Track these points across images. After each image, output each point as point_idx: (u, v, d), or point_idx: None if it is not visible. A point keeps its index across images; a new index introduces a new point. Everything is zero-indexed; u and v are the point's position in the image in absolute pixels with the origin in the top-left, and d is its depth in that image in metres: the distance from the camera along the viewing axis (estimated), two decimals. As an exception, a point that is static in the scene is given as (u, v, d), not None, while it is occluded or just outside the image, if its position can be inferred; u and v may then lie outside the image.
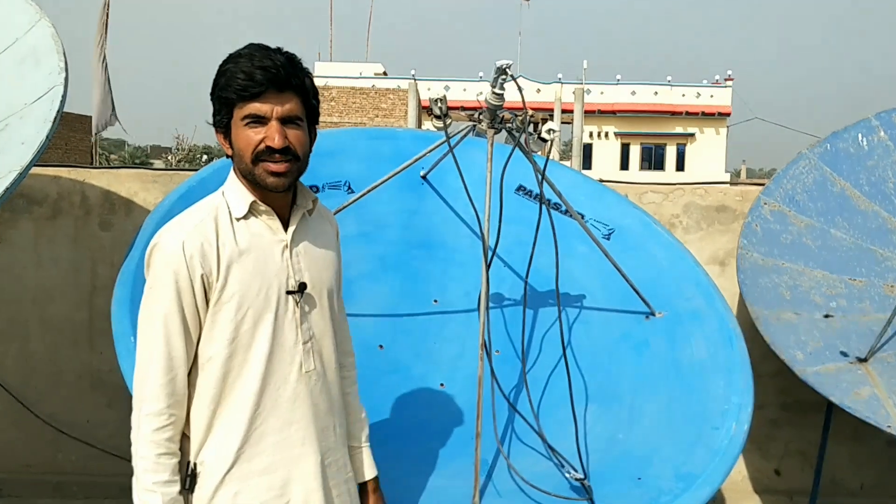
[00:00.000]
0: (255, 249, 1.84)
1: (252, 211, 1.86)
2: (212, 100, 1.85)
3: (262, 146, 1.79)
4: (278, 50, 1.82)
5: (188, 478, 1.83)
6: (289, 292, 1.86)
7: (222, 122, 1.84)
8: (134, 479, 1.79)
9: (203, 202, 1.89)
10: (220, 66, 1.82)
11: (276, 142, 1.78)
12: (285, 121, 1.80)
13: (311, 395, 1.90)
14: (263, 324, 1.83)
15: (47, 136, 3.15)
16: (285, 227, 1.90)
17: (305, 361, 1.89)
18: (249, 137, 1.79)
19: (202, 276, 1.77)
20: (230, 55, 1.81)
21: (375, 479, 2.16)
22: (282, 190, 1.85)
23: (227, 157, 1.89)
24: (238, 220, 1.84)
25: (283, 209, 1.90)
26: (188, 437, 1.85)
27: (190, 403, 1.84)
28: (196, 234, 1.79)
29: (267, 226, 1.87)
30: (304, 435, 1.89)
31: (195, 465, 1.84)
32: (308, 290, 1.90)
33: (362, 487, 2.13)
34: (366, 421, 2.19)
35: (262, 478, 1.85)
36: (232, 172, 1.90)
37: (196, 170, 3.70)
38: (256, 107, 1.78)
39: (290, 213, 1.92)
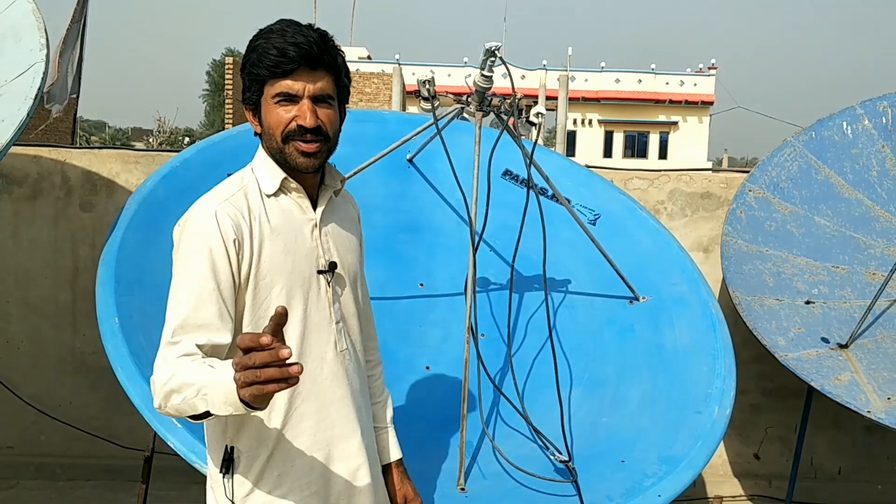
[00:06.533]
0: (285, 228, 1.78)
1: (283, 188, 1.80)
2: (242, 76, 1.78)
3: (293, 125, 1.73)
4: (310, 26, 1.75)
5: (226, 461, 1.76)
6: (320, 272, 1.82)
7: (252, 100, 1.77)
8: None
9: (230, 179, 1.82)
10: (251, 41, 1.74)
11: (308, 121, 1.72)
12: (317, 99, 1.74)
13: (347, 373, 1.86)
14: (297, 303, 1.77)
15: (28, 114, 3.10)
16: (314, 207, 1.85)
17: (339, 341, 1.85)
18: (280, 116, 1.73)
19: (234, 240, 1.69)
20: (261, 30, 1.74)
21: (400, 460, 2.12)
22: (312, 171, 1.79)
23: (256, 135, 1.83)
24: (268, 196, 1.79)
25: (312, 188, 1.85)
26: (223, 419, 1.75)
27: None
28: (228, 205, 1.72)
29: (297, 204, 1.82)
30: (345, 414, 1.85)
31: (233, 448, 1.77)
32: (338, 270, 1.86)
33: (386, 468, 2.09)
34: (390, 402, 2.15)
35: (305, 459, 1.80)
36: (260, 149, 1.84)
37: (178, 151, 3.66)
38: (288, 84, 1.71)
39: (318, 192, 1.87)
